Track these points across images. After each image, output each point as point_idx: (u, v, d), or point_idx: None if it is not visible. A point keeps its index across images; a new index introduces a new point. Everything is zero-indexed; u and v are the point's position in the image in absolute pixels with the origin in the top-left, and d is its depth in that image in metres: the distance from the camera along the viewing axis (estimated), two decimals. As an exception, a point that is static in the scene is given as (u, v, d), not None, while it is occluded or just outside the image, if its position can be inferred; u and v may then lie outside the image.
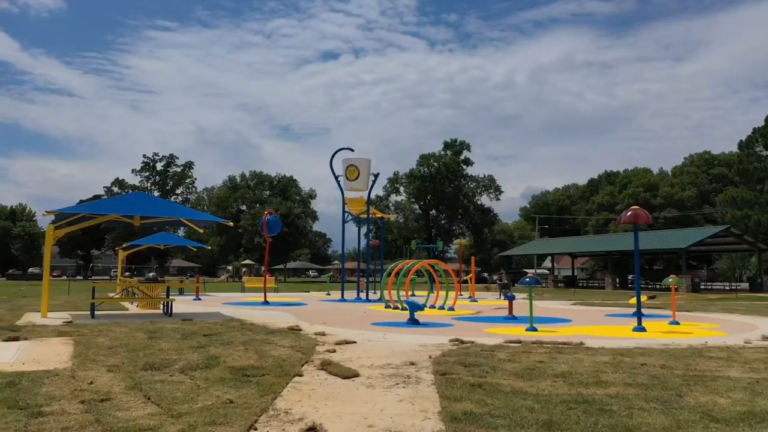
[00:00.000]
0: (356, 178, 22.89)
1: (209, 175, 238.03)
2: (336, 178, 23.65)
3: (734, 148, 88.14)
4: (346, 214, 24.64)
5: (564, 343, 8.64)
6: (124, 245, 25.78)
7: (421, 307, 12.68)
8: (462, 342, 8.72)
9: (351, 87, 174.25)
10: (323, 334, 9.72)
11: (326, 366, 6.62)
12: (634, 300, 16.88)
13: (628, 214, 11.43)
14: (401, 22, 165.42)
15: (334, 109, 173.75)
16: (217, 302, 20.93)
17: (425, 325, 12.27)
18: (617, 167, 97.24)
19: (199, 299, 22.40)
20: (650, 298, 29.95)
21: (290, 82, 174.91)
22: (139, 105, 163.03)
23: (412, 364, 6.91)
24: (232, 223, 19.68)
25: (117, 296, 15.43)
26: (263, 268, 74.85)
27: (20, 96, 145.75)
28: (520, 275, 68.21)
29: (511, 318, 14.35)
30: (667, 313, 16.87)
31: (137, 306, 16.63)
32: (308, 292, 32.84)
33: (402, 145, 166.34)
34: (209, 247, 27.95)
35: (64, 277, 78.61)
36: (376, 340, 9.20)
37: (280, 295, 28.24)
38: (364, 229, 26.35)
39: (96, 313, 13.43)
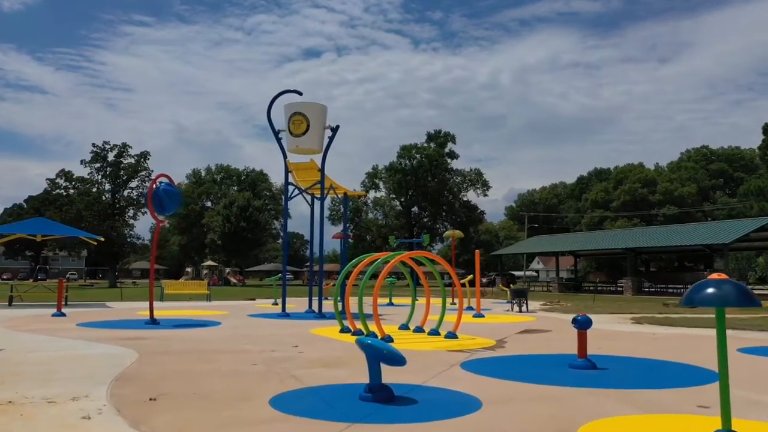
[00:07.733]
0: (304, 133, 15.12)
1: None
2: (276, 134, 15.89)
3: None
4: (291, 188, 16.77)
5: None
6: (-27, 234, 17.75)
7: (396, 358, 5.08)
8: None
9: (334, 86, 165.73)
10: None
11: None
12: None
13: None
14: (385, 20, 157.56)
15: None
16: (73, 321, 13.16)
17: (406, 408, 4.73)
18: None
19: (62, 314, 14.58)
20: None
21: (271, 81, 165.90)
22: (115, 103, 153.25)
23: None
24: None
25: None
26: (227, 270, 67.02)
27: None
28: (511, 277, 61.07)
29: (588, 366, 6.90)
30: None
31: None
32: (253, 299, 25.02)
33: (385, 146, 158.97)
34: (102, 239, 20.03)
35: (15, 281, 68.94)
36: None
37: (204, 305, 20.50)
38: (335, 217, 18.46)
39: None
